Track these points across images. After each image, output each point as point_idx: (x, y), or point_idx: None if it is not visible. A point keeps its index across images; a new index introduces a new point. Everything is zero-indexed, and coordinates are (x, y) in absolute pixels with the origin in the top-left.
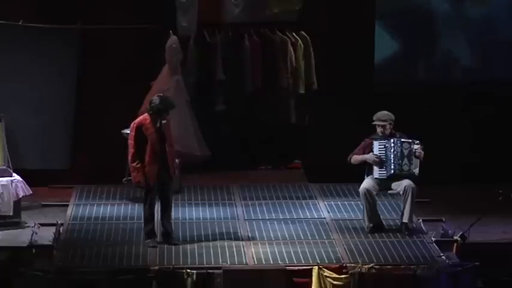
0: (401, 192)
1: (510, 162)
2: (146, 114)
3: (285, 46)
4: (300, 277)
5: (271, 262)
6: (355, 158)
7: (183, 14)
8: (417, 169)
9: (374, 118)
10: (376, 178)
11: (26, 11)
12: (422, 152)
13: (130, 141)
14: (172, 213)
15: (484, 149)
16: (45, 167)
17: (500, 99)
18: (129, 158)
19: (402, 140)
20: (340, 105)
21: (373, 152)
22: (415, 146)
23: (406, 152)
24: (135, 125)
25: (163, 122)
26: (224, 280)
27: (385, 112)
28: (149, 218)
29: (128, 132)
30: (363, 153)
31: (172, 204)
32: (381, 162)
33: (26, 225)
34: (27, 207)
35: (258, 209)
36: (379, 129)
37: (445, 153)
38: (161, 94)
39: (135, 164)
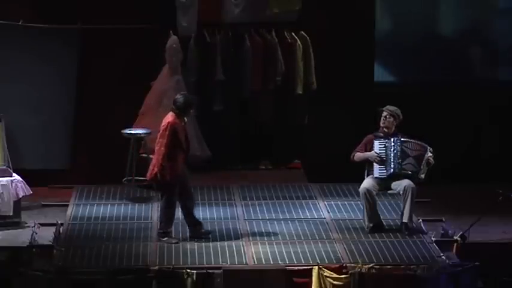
0: (401, 192)
1: (510, 162)
2: (172, 113)
3: (283, 46)
4: (300, 277)
5: (271, 262)
6: (358, 156)
7: (183, 14)
8: (424, 174)
9: (384, 108)
10: (376, 178)
11: (26, 11)
12: (433, 161)
13: (163, 140)
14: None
15: (484, 149)
16: (45, 167)
17: (500, 99)
18: (161, 156)
19: (402, 139)
20: (340, 105)
21: (374, 150)
22: (429, 154)
23: (410, 153)
24: (169, 124)
25: (186, 120)
26: (224, 280)
27: (396, 107)
28: (173, 215)
29: (129, 132)
30: (365, 150)
31: None
32: (382, 161)
33: (26, 225)
34: (27, 207)
35: (258, 209)
36: (381, 119)
37: (445, 153)
38: (183, 92)
39: (165, 162)
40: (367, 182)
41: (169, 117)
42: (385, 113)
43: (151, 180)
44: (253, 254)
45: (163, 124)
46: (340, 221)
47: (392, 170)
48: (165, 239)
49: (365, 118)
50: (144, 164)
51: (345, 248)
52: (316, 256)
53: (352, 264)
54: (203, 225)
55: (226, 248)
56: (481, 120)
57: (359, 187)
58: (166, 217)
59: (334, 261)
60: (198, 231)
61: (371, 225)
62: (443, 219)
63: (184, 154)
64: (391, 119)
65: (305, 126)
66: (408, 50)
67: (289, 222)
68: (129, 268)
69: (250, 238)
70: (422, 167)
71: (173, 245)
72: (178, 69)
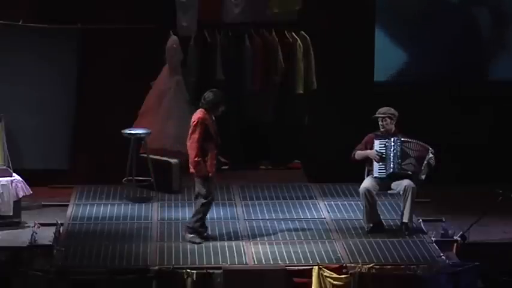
0: (401, 192)
1: (510, 162)
2: (202, 109)
3: (283, 46)
4: (300, 277)
5: (271, 262)
6: (359, 154)
7: (183, 14)
8: (424, 175)
9: (376, 114)
10: (376, 177)
11: (26, 11)
12: (434, 162)
13: (195, 135)
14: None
15: (485, 149)
16: (45, 167)
17: (501, 99)
18: (194, 151)
19: (402, 139)
20: (340, 105)
21: (374, 149)
22: (430, 155)
23: (411, 153)
24: (200, 120)
25: (213, 118)
26: (224, 280)
27: (387, 107)
28: (208, 211)
29: (130, 132)
30: (365, 149)
31: None
32: (382, 159)
33: (26, 225)
34: (27, 207)
35: (258, 209)
36: (379, 124)
37: (445, 153)
38: (213, 89)
39: (200, 157)
40: (367, 182)
41: (199, 112)
42: (379, 118)
43: (192, 174)
44: (253, 254)
45: (193, 120)
46: (340, 221)
47: (392, 169)
48: (191, 235)
49: (365, 118)
50: (144, 164)
51: (345, 248)
52: (316, 256)
53: (352, 264)
54: (208, 230)
55: (226, 248)
56: (481, 119)
57: (359, 187)
58: (203, 213)
59: (334, 261)
60: (201, 234)
61: (371, 225)
62: (443, 219)
63: (217, 150)
64: (388, 121)
65: (305, 126)
66: (409, 50)
67: (289, 222)
68: (129, 268)
69: (250, 238)
70: (423, 168)
71: (173, 245)
72: (178, 69)
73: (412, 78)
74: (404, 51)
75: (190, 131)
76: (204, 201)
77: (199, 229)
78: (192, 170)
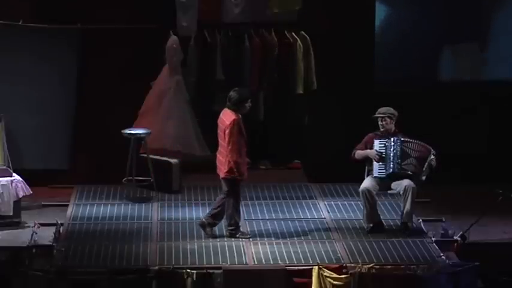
0: (401, 192)
1: (509, 162)
2: (230, 110)
3: (283, 46)
4: (300, 277)
5: (271, 262)
6: (359, 153)
7: (183, 14)
8: (425, 176)
9: (376, 114)
10: (376, 177)
11: (26, 11)
12: (435, 163)
13: (233, 138)
14: None
15: (485, 149)
16: (45, 167)
17: (499, 99)
18: (235, 153)
19: (402, 139)
20: (340, 105)
21: (374, 149)
22: (432, 156)
23: (412, 153)
24: (235, 121)
25: (240, 116)
26: (224, 280)
27: (387, 107)
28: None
29: (130, 132)
30: (365, 149)
31: None
32: (382, 159)
33: (26, 225)
34: (27, 207)
35: (258, 209)
36: (379, 124)
37: (445, 153)
38: (236, 88)
39: (239, 158)
40: (367, 182)
41: (231, 114)
42: (379, 118)
43: (225, 178)
44: (253, 254)
45: (228, 123)
46: (340, 221)
47: (391, 169)
48: (238, 234)
49: (365, 118)
50: (144, 164)
51: (345, 248)
52: (316, 256)
53: (352, 264)
54: (214, 227)
55: (226, 248)
56: (480, 119)
57: (359, 187)
58: (237, 212)
59: (334, 261)
60: (205, 229)
61: (371, 225)
62: (443, 219)
63: (247, 148)
64: (388, 120)
65: (305, 126)
66: (409, 51)
67: (289, 222)
68: (129, 268)
69: (250, 238)
70: (424, 169)
71: (173, 245)
72: (178, 69)
73: (412, 78)
74: (404, 51)
75: (228, 135)
76: (235, 203)
77: (208, 228)
78: (232, 172)
